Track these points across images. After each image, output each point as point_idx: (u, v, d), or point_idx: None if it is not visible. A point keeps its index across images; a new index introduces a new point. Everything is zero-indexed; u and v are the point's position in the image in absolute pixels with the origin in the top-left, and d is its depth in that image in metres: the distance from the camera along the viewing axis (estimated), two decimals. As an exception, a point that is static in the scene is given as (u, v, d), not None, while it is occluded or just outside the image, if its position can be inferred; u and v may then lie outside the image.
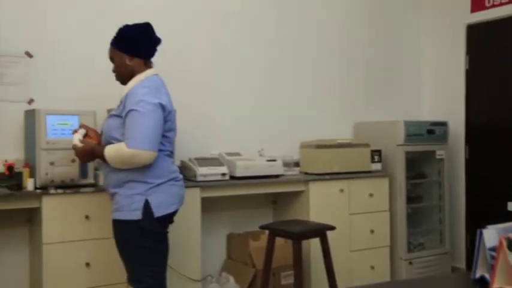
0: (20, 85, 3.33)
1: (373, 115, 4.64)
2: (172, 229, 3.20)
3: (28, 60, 3.36)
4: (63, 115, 3.00)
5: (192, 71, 3.93)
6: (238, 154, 3.80)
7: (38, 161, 2.94)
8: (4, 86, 3.28)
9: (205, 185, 3.44)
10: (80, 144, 2.54)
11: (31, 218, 3.24)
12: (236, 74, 4.13)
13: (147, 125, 2.38)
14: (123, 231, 2.47)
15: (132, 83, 2.53)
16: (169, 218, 2.57)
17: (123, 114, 2.42)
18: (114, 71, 2.62)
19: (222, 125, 4.04)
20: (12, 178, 3.13)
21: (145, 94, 2.42)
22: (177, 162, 3.53)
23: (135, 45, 2.54)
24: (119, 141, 2.43)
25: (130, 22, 2.62)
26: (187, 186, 3.32)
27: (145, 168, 2.43)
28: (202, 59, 3.98)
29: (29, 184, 2.96)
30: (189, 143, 3.77)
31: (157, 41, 2.63)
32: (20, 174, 3.08)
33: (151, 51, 2.62)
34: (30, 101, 3.35)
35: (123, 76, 2.58)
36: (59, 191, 2.96)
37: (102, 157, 2.48)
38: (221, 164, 3.58)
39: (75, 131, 2.63)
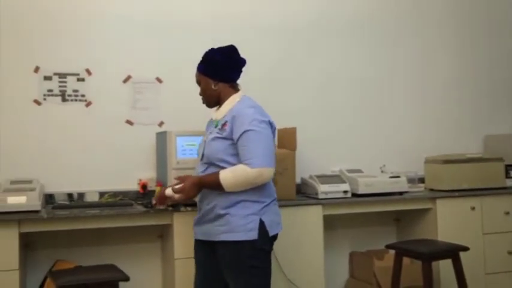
0: (152, 109, 3.57)
1: (504, 127, 4.30)
2: (294, 247, 3.21)
3: (158, 85, 3.60)
4: (191, 136, 3.16)
5: (311, 88, 3.95)
6: (359, 171, 3.72)
7: (169, 180, 3.10)
8: (138, 110, 3.55)
9: (327, 202, 3.40)
10: (182, 185, 2.44)
11: (163, 234, 3.43)
12: (356, 89, 4.08)
13: (265, 143, 2.38)
14: (237, 252, 2.41)
15: (229, 105, 2.52)
16: (276, 238, 2.52)
17: (235, 136, 2.40)
18: (200, 94, 2.64)
19: (342, 141, 4.00)
20: (145, 196, 3.36)
21: (255, 113, 2.43)
22: (298, 180, 3.56)
23: (219, 70, 2.55)
24: (229, 163, 2.41)
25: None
26: (309, 204, 3.36)
27: (259, 187, 2.41)
28: (321, 76, 3.99)
29: (164, 202, 3.13)
30: (309, 160, 3.77)
31: (242, 63, 2.60)
32: (153, 192, 3.28)
33: (237, 74, 2.61)
34: (161, 124, 3.58)
35: (210, 100, 2.60)
36: (188, 208, 3.10)
37: (213, 183, 2.39)
38: (343, 181, 3.52)
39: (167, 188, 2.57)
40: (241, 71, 2.61)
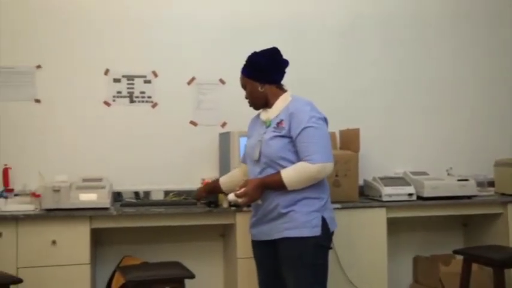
0: (215, 110, 3.63)
1: None
2: (357, 249, 3.16)
3: (221, 86, 3.65)
4: (254, 136, 3.18)
5: (375, 89, 3.90)
6: (425, 173, 3.62)
7: (232, 180, 3.14)
8: (202, 110, 3.62)
9: (391, 205, 3.33)
10: (244, 189, 2.44)
11: (225, 233, 3.48)
12: (421, 89, 3.98)
13: (325, 139, 2.44)
14: (300, 248, 2.43)
15: (282, 104, 2.52)
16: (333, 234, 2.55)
17: (294, 133, 2.42)
18: (247, 97, 2.65)
19: (406, 142, 3.92)
20: (209, 196, 3.40)
21: (312, 110, 2.46)
22: (361, 182, 3.50)
23: (264, 72, 2.56)
24: (290, 160, 2.44)
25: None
26: (372, 206, 3.30)
27: (317, 184, 2.44)
28: (385, 76, 3.92)
29: (224, 201, 3.17)
30: (371, 162, 3.71)
31: (285, 64, 2.61)
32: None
33: (281, 75, 2.62)
34: (223, 124, 3.63)
35: (257, 102, 2.61)
36: (251, 208, 3.11)
37: (275, 183, 2.41)
38: (407, 184, 3.44)
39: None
40: (284, 72, 2.63)
